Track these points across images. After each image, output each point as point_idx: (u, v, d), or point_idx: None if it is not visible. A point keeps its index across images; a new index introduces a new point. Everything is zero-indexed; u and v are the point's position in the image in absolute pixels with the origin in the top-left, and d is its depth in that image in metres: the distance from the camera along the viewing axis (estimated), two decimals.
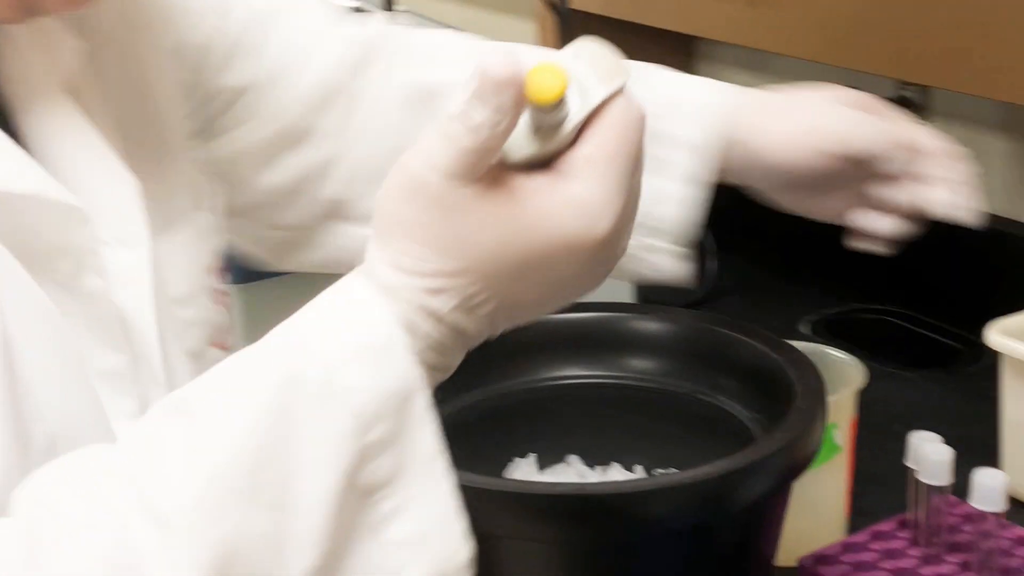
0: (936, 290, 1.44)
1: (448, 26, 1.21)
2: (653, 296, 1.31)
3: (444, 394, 0.82)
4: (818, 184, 0.91)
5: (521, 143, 0.62)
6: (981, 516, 0.93)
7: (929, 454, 0.96)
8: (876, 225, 0.92)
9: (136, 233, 0.75)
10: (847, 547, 1.00)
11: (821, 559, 0.98)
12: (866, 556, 0.99)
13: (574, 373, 0.96)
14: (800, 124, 0.90)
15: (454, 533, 0.60)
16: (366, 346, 0.59)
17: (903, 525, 1.02)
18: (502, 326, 0.64)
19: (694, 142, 0.91)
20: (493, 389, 0.94)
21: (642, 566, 0.80)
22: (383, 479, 0.59)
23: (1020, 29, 1.20)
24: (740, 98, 0.93)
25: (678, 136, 0.91)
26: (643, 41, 1.62)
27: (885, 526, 1.02)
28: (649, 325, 0.97)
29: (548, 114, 0.62)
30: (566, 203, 0.60)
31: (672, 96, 0.93)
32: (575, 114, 0.62)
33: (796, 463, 0.82)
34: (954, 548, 0.99)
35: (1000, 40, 1.21)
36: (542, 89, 0.61)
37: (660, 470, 0.94)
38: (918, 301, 1.45)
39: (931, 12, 1.25)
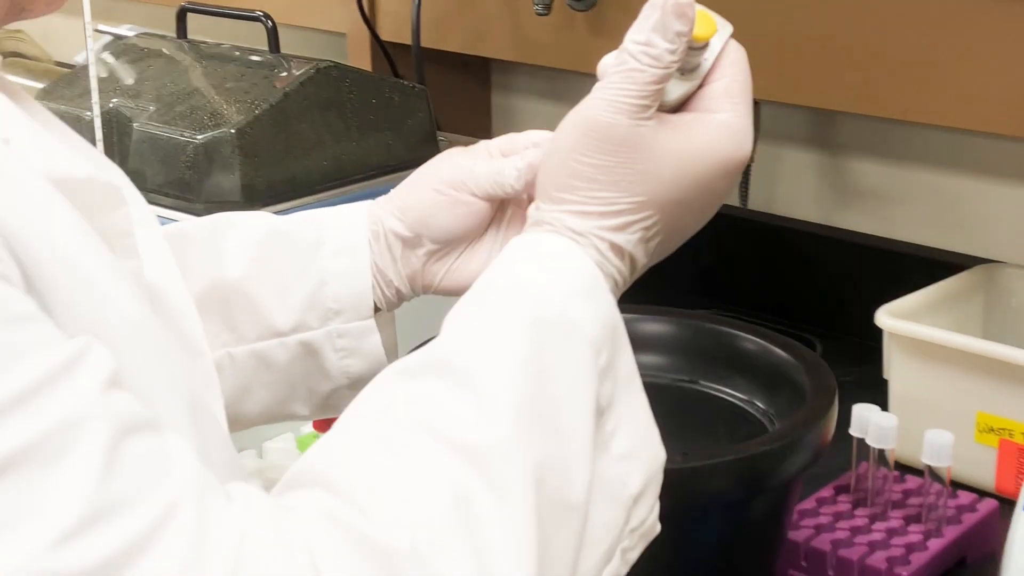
0: (752, 294, 1.53)
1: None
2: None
3: None
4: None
5: (670, 84, 0.68)
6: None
7: (879, 421, 1.06)
8: None
9: (146, 213, 0.75)
10: (802, 513, 1.09)
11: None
12: (822, 520, 1.08)
13: None
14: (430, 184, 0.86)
15: (656, 441, 0.66)
16: (581, 286, 0.64)
17: (838, 491, 1.12)
18: (659, 256, 0.70)
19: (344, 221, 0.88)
20: None
21: (688, 539, 0.87)
22: (607, 401, 0.64)
23: (825, 38, 1.31)
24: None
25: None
26: (444, 68, 1.70)
27: (825, 493, 1.12)
28: (657, 326, 1.03)
29: (695, 53, 0.68)
30: (721, 130, 0.68)
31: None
32: (711, 54, 0.69)
33: (822, 442, 0.90)
34: (895, 506, 1.10)
35: (801, 49, 1.31)
36: (703, 25, 0.68)
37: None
38: (742, 305, 1.50)
39: (752, 27, 1.33)
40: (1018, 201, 1.37)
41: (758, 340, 1.00)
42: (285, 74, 1.34)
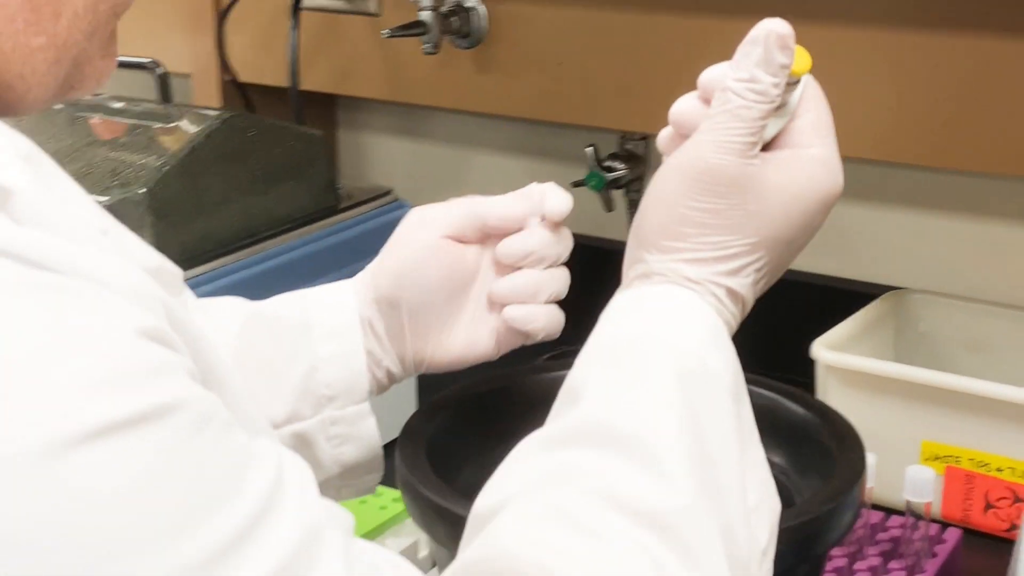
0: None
1: None
2: None
3: (459, 460, 0.85)
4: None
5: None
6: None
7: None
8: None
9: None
10: None
11: None
12: None
13: None
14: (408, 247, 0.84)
15: (774, 490, 0.65)
16: (708, 335, 0.64)
17: None
18: (759, 294, 0.70)
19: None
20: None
21: None
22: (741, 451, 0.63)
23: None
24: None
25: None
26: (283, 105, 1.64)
27: None
28: None
29: (789, 88, 0.68)
30: (818, 166, 0.68)
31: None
32: (801, 88, 0.70)
33: (862, 499, 0.86)
34: (865, 543, 1.10)
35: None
36: (799, 59, 0.68)
37: None
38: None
39: (644, 65, 1.36)
40: (916, 227, 1.39)
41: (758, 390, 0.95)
42: (186, 126, 1.25)
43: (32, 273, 0.45)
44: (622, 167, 1.48)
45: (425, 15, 1.44)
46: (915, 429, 1.19)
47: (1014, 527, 1.13)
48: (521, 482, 0.59)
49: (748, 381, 0.92)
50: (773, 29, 0.65)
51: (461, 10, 1.47)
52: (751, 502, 0.62)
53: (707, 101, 0.68)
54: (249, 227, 1.26)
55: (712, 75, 0.68)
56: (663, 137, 0.71)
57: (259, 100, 1.66)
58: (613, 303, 0.67)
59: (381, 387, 0.83)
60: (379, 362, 0.81)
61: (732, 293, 0.67)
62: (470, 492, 0.66)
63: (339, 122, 1.77)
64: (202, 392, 0.47)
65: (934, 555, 1.09)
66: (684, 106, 0.69)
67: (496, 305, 0.81)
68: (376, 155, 1.74)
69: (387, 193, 1.41)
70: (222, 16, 1.63)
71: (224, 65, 1.65)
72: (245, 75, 1.66)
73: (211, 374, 0.52)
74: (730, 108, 0.65)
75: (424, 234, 0.80)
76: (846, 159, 0.71)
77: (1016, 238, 1.34)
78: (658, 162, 0.70)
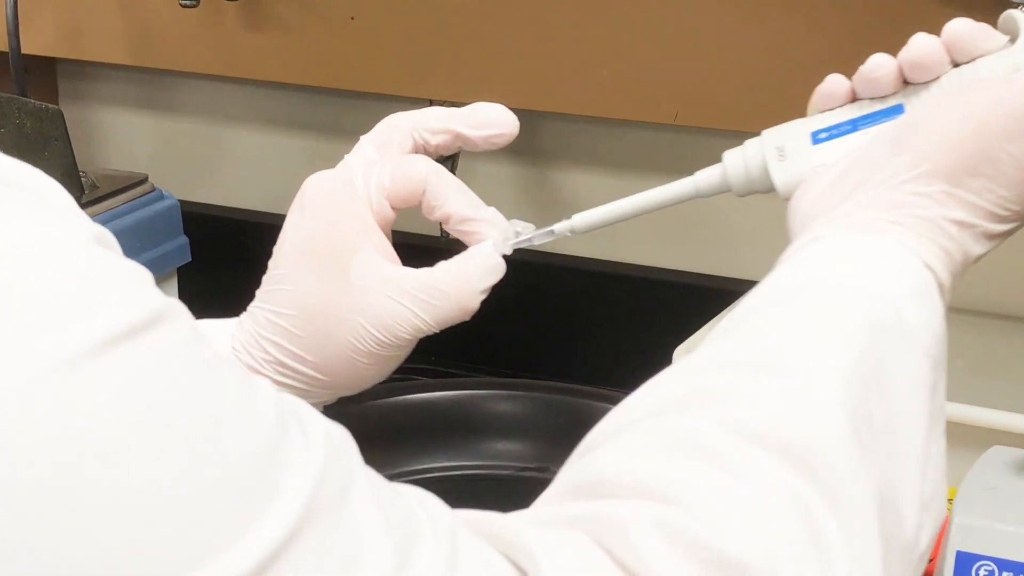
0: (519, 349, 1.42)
1: None
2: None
3: None
4: None
5: None
6: None
7: None
8: None
9: None
10: None
11: None
12: None
13: (434, 465, 0.96)
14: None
15: (944, 493, 0.61)
16: (913, 289, 0.61)
17: None
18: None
19: None
20: None
21: None
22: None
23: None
24: None
25: None
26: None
27: None
28: (497, 403, 0.98)
29: None
30: None
31: None
32: None
33: None
34: None
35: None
36: None
37: None
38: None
39: (455, 23, 1.30)
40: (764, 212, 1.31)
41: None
42: None
43: None
44: None
45: None
46: None
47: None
48: (644, 411, 0.56)
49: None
50: None
51: None
52: (925, 493, 0.58)
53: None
54: None
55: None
56: (885, 71, 0.68)
57: None
58: (801, 248, 0.64)
59: None
60: None
61: (971, 258, 0.65)
62: None
63: (62, 93, 1.63)
64: (176, 300, 0.46)
65: None
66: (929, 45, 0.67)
67: None
68: (113, 134, 1.61)
69: (142, 181, 1.29)
70: None
71: None
72: None
73: None
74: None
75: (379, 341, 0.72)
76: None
77: None
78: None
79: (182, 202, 1.28)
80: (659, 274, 1.36)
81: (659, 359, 1.12)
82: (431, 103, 1.30)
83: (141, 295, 0.44)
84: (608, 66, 1.27)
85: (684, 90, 1.26)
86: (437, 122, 0.71)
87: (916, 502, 0.57)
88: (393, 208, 0.70)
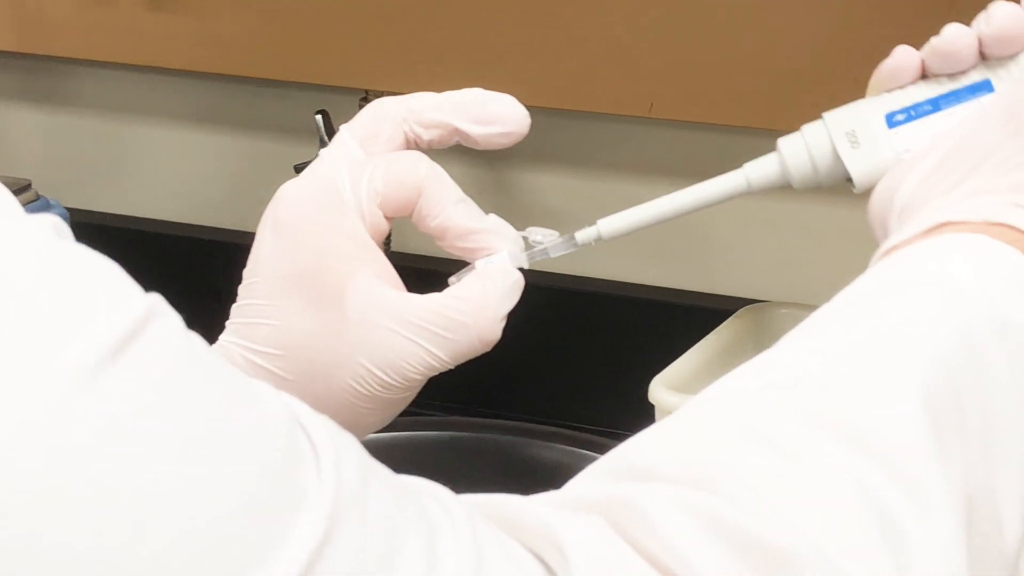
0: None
1: None
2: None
3: None
4: None
5: None
6: None
7: None
8: None
9: None
10: None
11: None
12: None
13: None
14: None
15: None
16: (1013, 281, 0.62)
17: None
18: None
19: None
20: None
21: None
22: None
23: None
24: None
25: None
26: None
27: None
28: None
29: None
30: None
31: None
32: None
33: None
34: None
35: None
36: None
37: None
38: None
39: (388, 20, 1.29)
40: (776, 229, 1.32)
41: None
42: None
43: None
44: None
45: None
46: None
47: None
48: (699, 398, 0.58)
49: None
50: None
51: None
52: None
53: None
54: None
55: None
56: (966, 43, 0.67)
57: None
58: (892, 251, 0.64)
59: None
60: None
61: None
62: None
63: None
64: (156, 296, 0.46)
65: None
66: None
67: None
68: None
69: (25, 188, 1.30)
70: None
71: None
72: None
73: None
74: None
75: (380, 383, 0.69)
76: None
77: None
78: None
79: (74, 211, 1.24)
80: (635, 291, 1.33)
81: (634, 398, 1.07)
82: (366, 95, 1.29)
83: (126, 291, 0.43)
84: (576, 53, 1.25)
85: (659, 80, 1.23)
86: (432, 114, 0.67)
87: (1019, 509, 0.56)
88: (387, 218, 0.65)
